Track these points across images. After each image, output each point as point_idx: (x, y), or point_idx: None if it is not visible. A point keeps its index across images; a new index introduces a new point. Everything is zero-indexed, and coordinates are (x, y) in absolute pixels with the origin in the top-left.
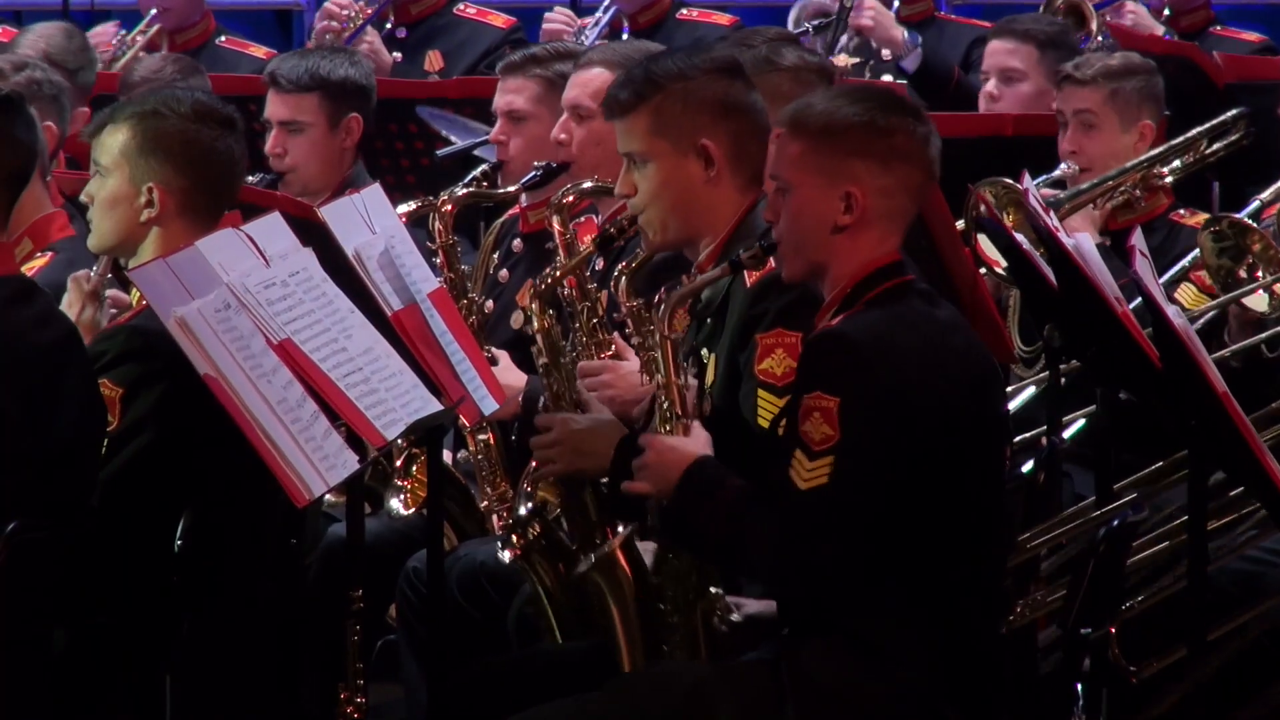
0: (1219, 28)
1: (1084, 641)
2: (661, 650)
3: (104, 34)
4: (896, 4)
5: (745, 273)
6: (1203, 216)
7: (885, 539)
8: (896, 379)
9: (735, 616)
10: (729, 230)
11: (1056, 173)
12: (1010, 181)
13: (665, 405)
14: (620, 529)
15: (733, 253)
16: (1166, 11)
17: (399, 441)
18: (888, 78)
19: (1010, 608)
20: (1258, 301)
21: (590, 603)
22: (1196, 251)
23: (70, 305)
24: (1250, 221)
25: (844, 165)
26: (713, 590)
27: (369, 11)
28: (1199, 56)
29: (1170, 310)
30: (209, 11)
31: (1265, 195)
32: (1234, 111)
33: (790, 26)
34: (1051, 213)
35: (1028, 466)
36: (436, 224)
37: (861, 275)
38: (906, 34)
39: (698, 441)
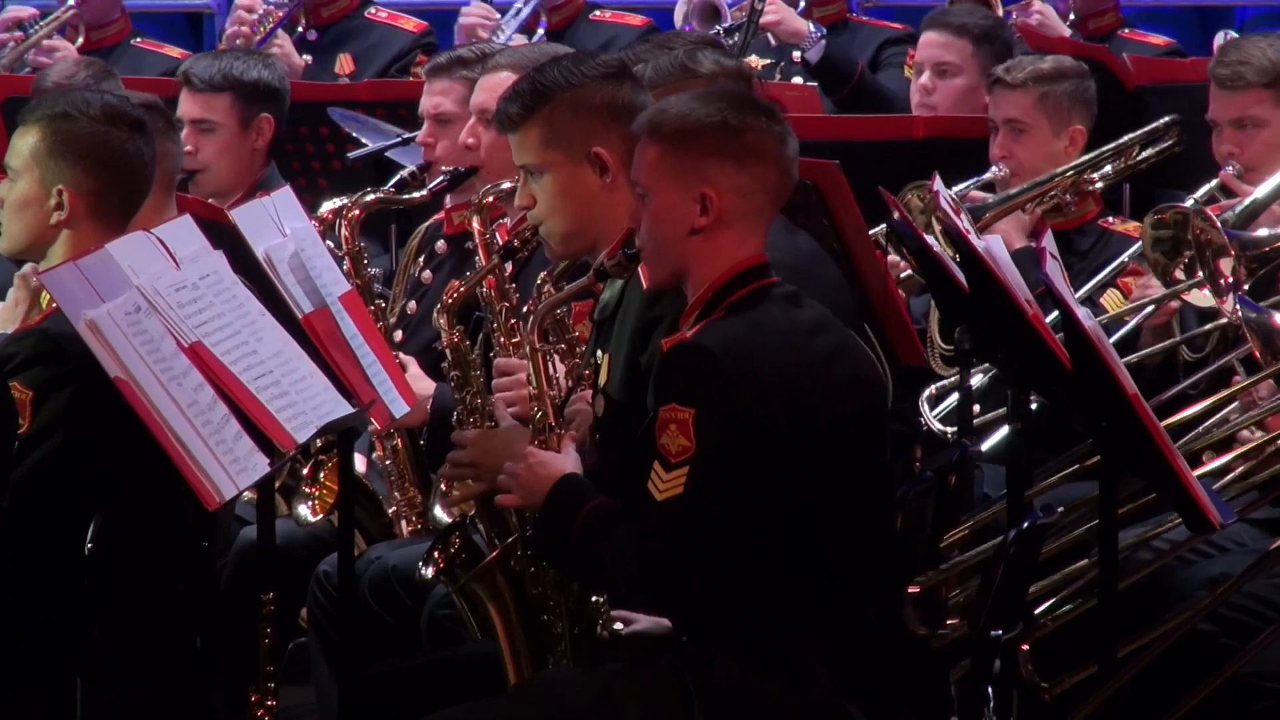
0: (1127, 30)
1: (994, 644)
2: (547, 661)
3: (16, 13)
4: (803, 4)
5: (642, 274)
6: (1133, 225)
7: (769, 546)
8: (754, 388)
9: (618, 626)
10: (624, 234)
11: (987, 175)
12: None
13: (538, 416)
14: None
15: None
16: (1072, 16)
17: (314, 443)
18: (798, 79)
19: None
20: (1201, 298)
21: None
22: (1124, 256)
23: (17, 303)
24: (1190, 208)
25: (698, 167)
26: (594, 599)
27: (280, 15)
28: (1109, 59)
29: (1080, 312)
30: (126, 12)
31: (1198, 195)
32: (1167, 119)
33: (677, 23)
34: (963, 214)
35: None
36: (343, 230)
37: (722, 280)
38: (811, 26)
39: (568, 459)
